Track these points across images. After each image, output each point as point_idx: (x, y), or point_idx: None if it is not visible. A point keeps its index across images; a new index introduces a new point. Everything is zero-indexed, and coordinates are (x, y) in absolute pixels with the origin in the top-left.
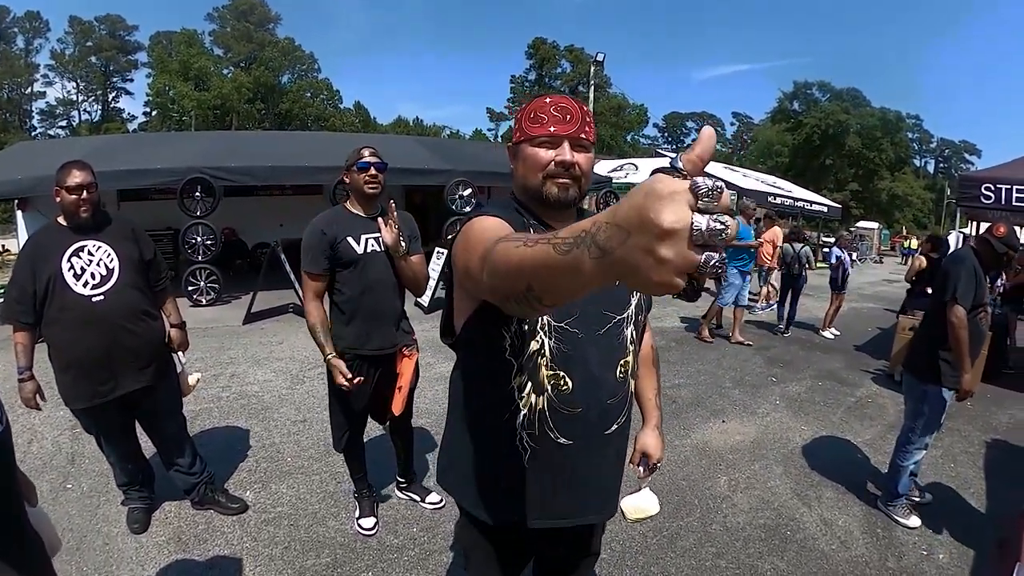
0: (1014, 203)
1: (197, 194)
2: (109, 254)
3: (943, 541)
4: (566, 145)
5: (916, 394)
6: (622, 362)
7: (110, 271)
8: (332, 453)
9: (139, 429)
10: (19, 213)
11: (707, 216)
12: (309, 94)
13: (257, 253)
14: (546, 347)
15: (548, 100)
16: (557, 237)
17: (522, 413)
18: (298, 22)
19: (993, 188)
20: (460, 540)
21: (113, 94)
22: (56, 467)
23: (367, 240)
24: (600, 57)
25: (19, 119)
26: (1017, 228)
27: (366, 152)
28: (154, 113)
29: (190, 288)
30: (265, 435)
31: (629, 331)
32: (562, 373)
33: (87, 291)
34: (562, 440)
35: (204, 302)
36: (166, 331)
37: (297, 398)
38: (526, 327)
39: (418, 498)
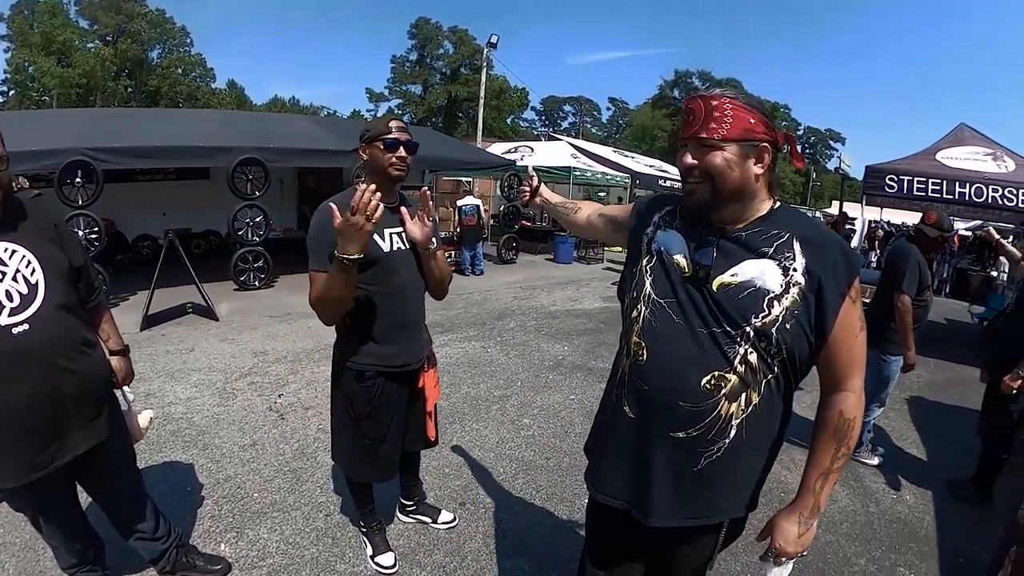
0: (915, 192)
1: (77, 180)
2: (28, 262)
3: (905, 485)
4: (687, 152)
5: (874, 362)
6: (716, 373)
7: (32, 288)
8: (303, 481)
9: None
10: None
11: None
12: (180, 71)
13: (139, 247)
14: (642, 315)
15: (684, 105)
16: None
17: (618, 373)
18: None
19: (896, 179)
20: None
21: None
22: None
23: (391, 235)
24: (494, 39)
25: None
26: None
27: (394, 126)
28: (11, 92)
29: None
30: (215, 468)
31: (743, 350)
32: (643, 343)
33: (3, 319)
34: (627, 410)
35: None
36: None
37: (235, 416)
38: (635, 293)
39: (429, 520)
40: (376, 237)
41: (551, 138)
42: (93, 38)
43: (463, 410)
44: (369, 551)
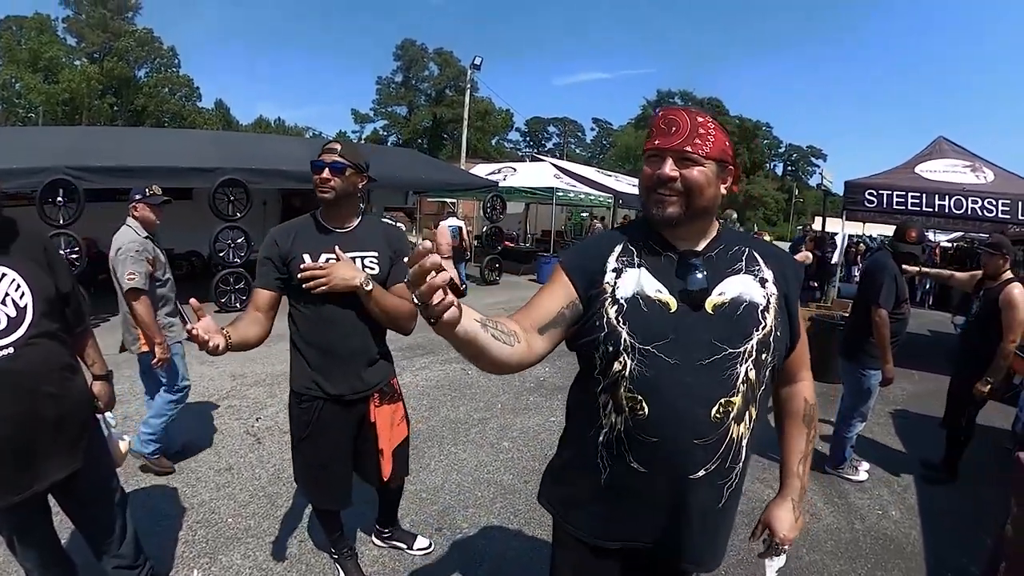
0: (894, 206)
1: (59, 199)
2: (17, 286)
3: (890, 500)
4: (668, 160)
5: (853, 376)
6: (723, 401)
7: (20, 311)
8: (279, 506)
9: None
10: None
11: None
12: (167, 90)
13: None
14: (627, 368)
15: (660, 114)
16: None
17: (604, 431)
18: (158, 13)
19: (875, 193)
20: (553, 557)
21: None
22: None
23: (329, 259)
24: (478, 61)
25: None
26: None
27: (328, 148)
28: None
29: None
30: (190, 492)
31: (744, 369)
32: (640, 397)
33: None
34: (636, 466)
35: None
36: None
37: (213, 439)
38: (611, 347)
39: (404, 546)
40: (306, 257)
41: (534, 159)
42: (80, 55)
43: (442, 433)
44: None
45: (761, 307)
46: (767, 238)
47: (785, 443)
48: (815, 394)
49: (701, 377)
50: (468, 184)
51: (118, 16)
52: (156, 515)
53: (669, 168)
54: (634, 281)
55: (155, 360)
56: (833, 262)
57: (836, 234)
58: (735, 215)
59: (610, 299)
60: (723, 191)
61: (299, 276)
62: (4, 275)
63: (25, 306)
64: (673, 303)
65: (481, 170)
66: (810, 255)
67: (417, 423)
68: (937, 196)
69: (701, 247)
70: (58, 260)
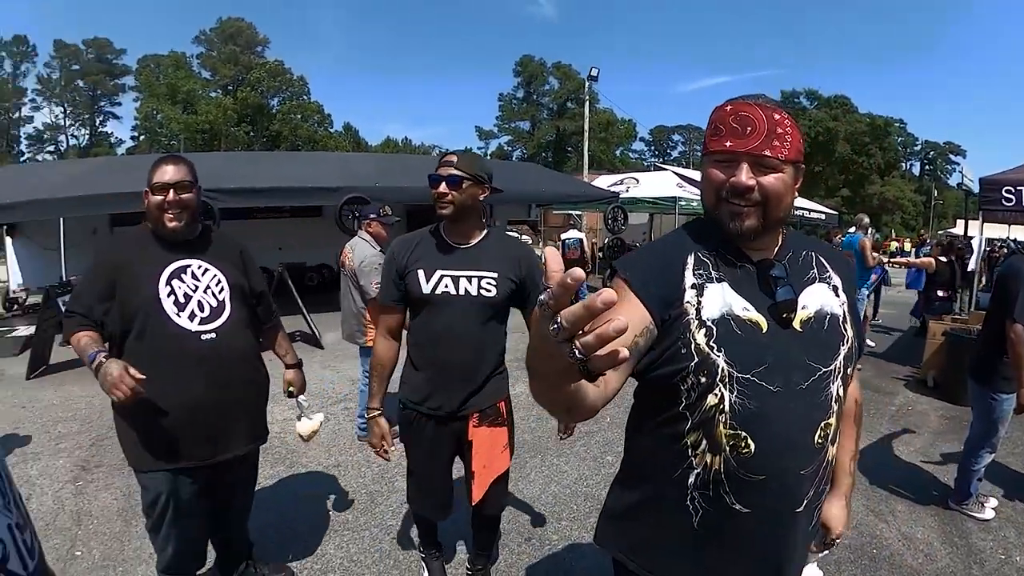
0: None
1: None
2: (218, 281)
3: (1017, 544)
4: (743, 166)
5: (983, 402)
6: (823, 424)
7: (220, 303)
8: (378, 503)
9: None
10: (8, 240)
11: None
12: (300, 116)
13: None
14: (726, 403)
15: (729, 108)
16: None
17: (695, 472)
18: (286, 45)
19: (1013, 191)
20: None
21: (100, 118)
22: (60, 529)
23: (443, 277)
24: (595, 72)
25: (7, 144)
26: None
27: (444, 162)
28: (142, 137)
29: None
30: (297, 485)
31: (835, 387)
32: (744, 434)
33: (194, 326)
34: (738, 507)
35: None
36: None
37: (325, 438)
38: (704, 379)
39: None
40: (420, 273)
41: (657, 168)
42: (215, 87)
43: (546, 444)
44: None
45: (841, 318)
46: (907, 246)
47: (838, 443)
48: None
49: (802, 402)
50: (589, 196)
51: (248, 51)
52: (263, 502)
53: (746, 176)
54: (720, 298)
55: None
56: (970, 269)
57: (973, 238)
58: (866, 219)
59: (696, 321)
60: (795, 195)
61: None
62: (207, 270)
63: (223, 299)
64: (764, 322)
65: (603, 181)
66: (933, 262)
67: (523, 433)
68: None
69: (775, 254)
70: (252, 264)
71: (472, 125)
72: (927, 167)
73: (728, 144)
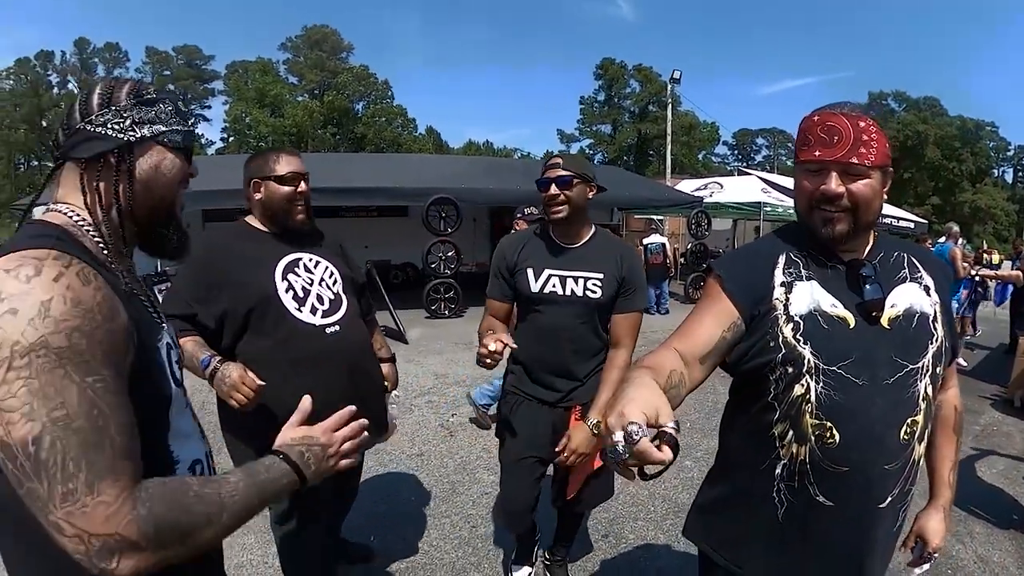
0: None
1: None
2: (332, 273)
3: None
4: (832, 174)
5: None
6: (909, 421)
7: (337, 296)
8: (459, 493)
9: None
10: None
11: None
12: (384, 119)
13: None
14: (812, 392)
15: (816, 118)
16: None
17: (782, 463)
18: (370, 50)
19: None
20: None
21: (191, 120)
22: None
23: (551, 276)
24: (677, 75)
25: None
26: None
27: (551, 164)
28: (231, 139)
29: None
30: (380, 471)
31: (923, 385)
32: (829, 424)
33: (317, 320)
34: (821, 499)
35: None
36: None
37: (409, 429)
38: (791, 369)
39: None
40: (529, 272)
41: (741, 173)
42: (302, 92)
43: None
44: (513, 556)
45: (931, 317)
46: (995, 258)
47: (936, 452)
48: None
49: (888, 397)
50: (671, 200)
51: (334, 56)
52: None
53: (835, 184)
54: (808, 296)
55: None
56: None
57: None
58: (956, 228)
59: (784, 316)
60: (884, 198)
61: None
62: (319, 263)
63: (339, 292)
64: (851, 318)
65: (687, 186)
66: (1021, 275)
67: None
68: None
69: (866, 254)
70: (352, 258)
71: (554, 128)
72: (1020, 174)
73: (817, 153)
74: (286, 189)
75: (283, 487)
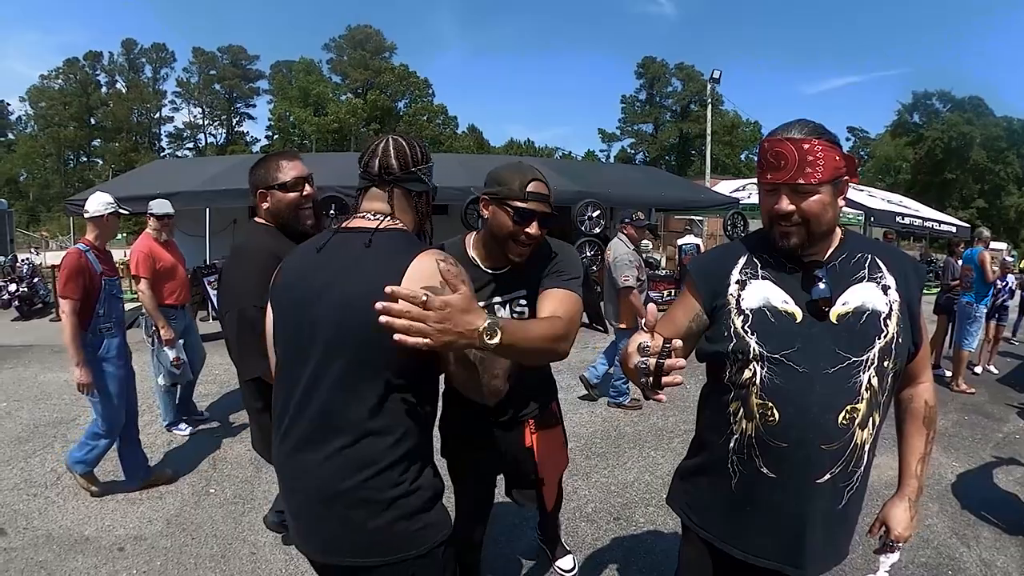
0: None
1: (332, 212)
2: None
3: None
4: (783, 198)
5: None
6: (849, 408)
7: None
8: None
9: None
10: None
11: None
12: (425, 118)
13: None
14: (758, 376)
15: (766, 145)
16: None
17: (735, 437)
18: (412, 50)
19: None
20: (680, 555)
21: (236, 119)
22: (200, 470)
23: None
24: (716, 75)
25: (149, 141)
26: None
27: (535, 194)
28: (275, 137)
29: None
30: None
31: (866, 377)
32: (771, 404)
33: None
34: (766, 471)
35: None
36: None
37: None
38: (740, 355)
39: (549, 555)
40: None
41: None
42: (345, 91)
43: (646, 438)
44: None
45: (884, 315)
46: None
47: (905, 444)
48: (936, 396)
49: (827, 384)
50: (708, 201)
51: (376, 56)
52: None
53: (786, 204)
54: (760, 293)
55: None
56: None
57: None
58: (987, 233)
59: (735, 310)
60: (841, 203)
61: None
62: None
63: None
64: (799, 313)
65: (725, 187)
66: None
67: (625, 427)
68: None
69: (825, 257)
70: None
71: (595, 128)
72: None
73: (768, 176)
74: (291, 195)
75: None
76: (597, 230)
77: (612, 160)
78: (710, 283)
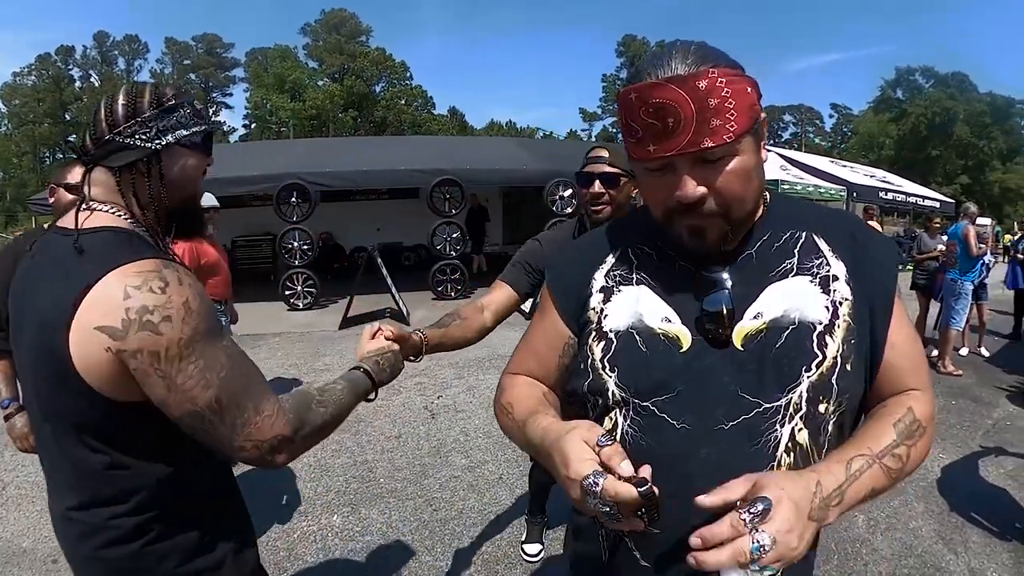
0: None
1: (293, 200)
2: None
3: None
4: (684, 178)
5: None
6: None
7: None
8: (428, 476)
9: None
10: None
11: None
12: (404, 101)
13: (355, 257)
14: (619, 431)
15: (634, 97)
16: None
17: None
18: (388, 33)
19: None
20: None
21: (213, 108)
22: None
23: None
24: None
25: None
26: None
27: (593, 158)
28: (253, 125)
29: (287, 292)
30: (357, 451)
31: (786, 431)
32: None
33: None
34: (638, 555)
35: (301, 306)
36: None
37: (392, 410)
38: (600, 400)
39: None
40: None
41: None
42: (321, 76)
43: None
44: (523, 537)
45: (820, 327)
46: None
47: (859, 432)
48: (932, 415)
49: (720, 447)
50: None
51: (352, 40)
52: (319, 467)
53: (692, 187)
54: (630, 306)
55: None
56: None
57: None
58: (973, 208)
59: (595, 333)
60: (765, 156)
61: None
62: None
63: None
64: (686, 337)
65: None
66: None
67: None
68: None
69: (734, 245)
70: None
71: (576, 107)
72: None
73: (652, 148)
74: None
75: (365, 391)
76: (569, 210)
77: (594, 139)
78: (571, 295)
